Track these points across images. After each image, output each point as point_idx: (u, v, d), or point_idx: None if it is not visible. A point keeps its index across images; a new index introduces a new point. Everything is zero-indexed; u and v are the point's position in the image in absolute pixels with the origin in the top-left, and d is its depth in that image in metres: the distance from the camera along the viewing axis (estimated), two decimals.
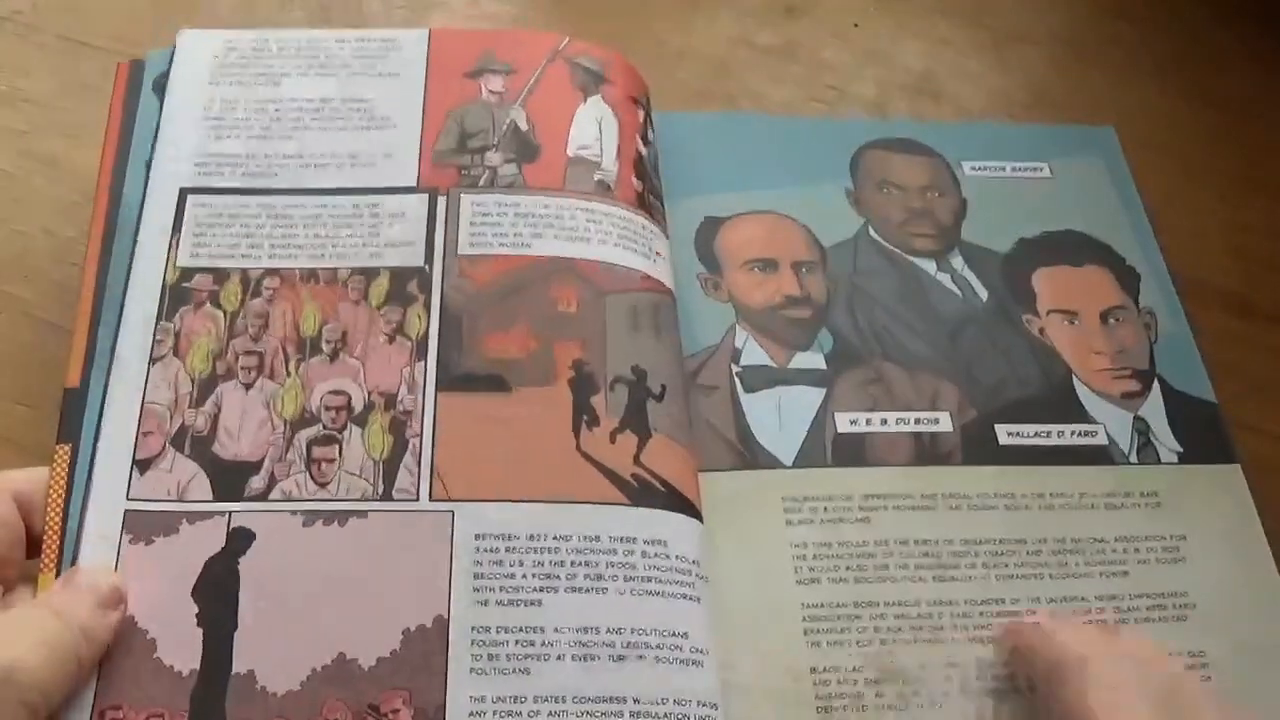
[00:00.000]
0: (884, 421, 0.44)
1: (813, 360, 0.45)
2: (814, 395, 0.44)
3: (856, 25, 0.58)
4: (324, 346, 0.40)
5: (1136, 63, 0.58)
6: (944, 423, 0.44)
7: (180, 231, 0.42)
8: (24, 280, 0.46)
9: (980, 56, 0.58)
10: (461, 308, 0.41)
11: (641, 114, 0.47)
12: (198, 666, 0.34)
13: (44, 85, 0.52)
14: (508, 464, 0.38)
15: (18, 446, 0.42)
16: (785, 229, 0.48)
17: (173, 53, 0.46)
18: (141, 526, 0.36)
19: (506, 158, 0.44)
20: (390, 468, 0.38)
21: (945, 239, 0.49)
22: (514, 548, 0.36)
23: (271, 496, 0.37)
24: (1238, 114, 0.56)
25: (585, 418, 0.39)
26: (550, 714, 0.34)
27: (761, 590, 0.39)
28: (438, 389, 0.39)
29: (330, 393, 0.39)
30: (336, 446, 0.38)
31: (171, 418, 0.38)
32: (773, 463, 0.42)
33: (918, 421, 0.44)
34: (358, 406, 0.39)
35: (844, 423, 0.43)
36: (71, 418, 0.38)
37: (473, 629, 0.35)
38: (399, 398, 0.39)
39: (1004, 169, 0.52)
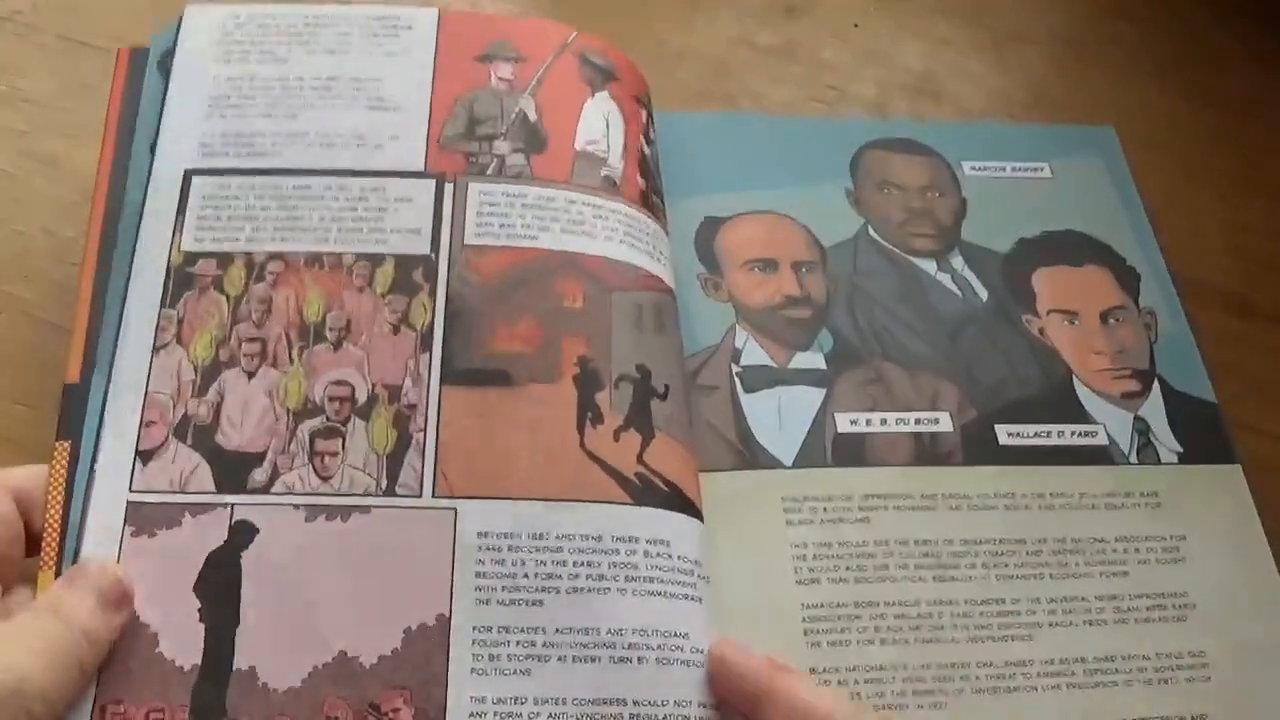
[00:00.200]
0: (884, 421, 0.44)
1: (813, 360, 0.45)
2: (814, 395, 0.44)
3: (856, 25, 0.58)
4: (328, 335, 0.40)
5: (1136, 63, 0.58)
6: (944, 423, 0.44)
7: (185, 214, 0.41)
8: (24, 280, 0.46)
9: (980, 56, 0.58)
10: (467, 299, 0.41)
11: (644, 113, 0.47)
12: (199, 662, 0.34)
13: (44, 85, 0.51)
14: (512, 461, 0.38)
15: (18, 446, 0.42)
16: (785, 229, 0.48)
17: (178, 29, 0.46)
18: (144, 519, 0.36)
19: (515, 147, 0.44)
20: (394, 462, 0.38)
21: (945, 239, 0.49)
22: (516, 547, 0.36)
23: (274, 489, 0.37)
24: (1238, 114, 0.56)
25: (589, 415, 0.39)
26: (551, 715, 0.34)
27: (761, 590, 0.39)
28: (442, 382, 0.39)
29: (334, 383, 0.39)
30: (340, 439, 0.38)
31: (174, 407, 0.38)
32: (773, 463, 0.42)
33: (918, 421, 0.44)
34: (361, 398, 0.39)
35: (844, 423, 0.43)
36: (71, 414, 0.38)
37: (474, 629, 0.35)
38: (403, 390, 0.39)
39: (1004, 169, 0.52)
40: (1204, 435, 0.45)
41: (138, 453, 0.37)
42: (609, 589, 0.36)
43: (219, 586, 0.35)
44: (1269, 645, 0.40)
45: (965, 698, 0.38)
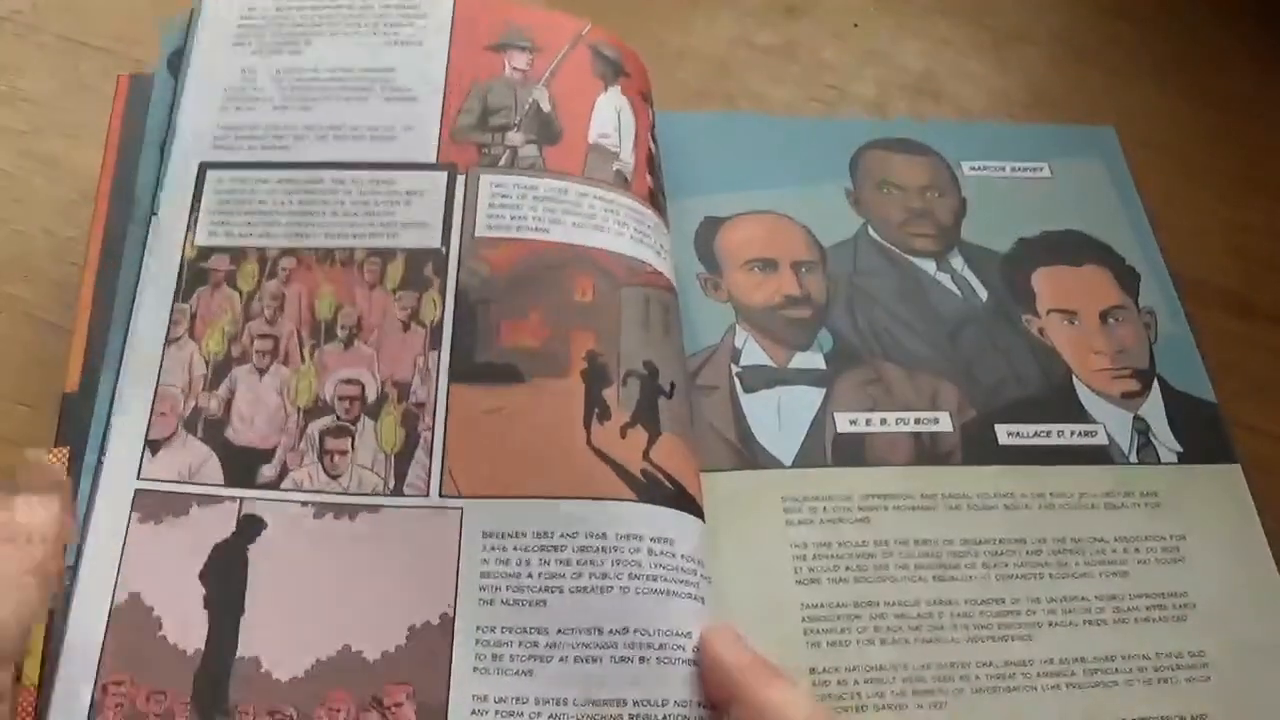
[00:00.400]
0: (884, 421, 0.44)
1: (812, 360, 0.45)
2: (814, 395, 0.44)
3: (856, 25, 0.58)
4: (339, 332, 0.40)
5: (1136, 63, 0.58)
6: (944, 423, 0.44)
7: (199, 209, 0.41)
8: (24, 280, 0.46)
9: (980, 56, 0.58)
10: (477, 293, 0.40)
11: (650, 112, 0.47)
12: (202, 648, 0.34)
13: (44, 85, 0.51)
14: (519, 459, 0.38)
15: (18, 446, 0.42)
16: (785, 229, 0.48)
17: (189, 25, 0.46)
18: (151, 506, 0.36)
19: (528, 138, 0.44)
20: (402, 462, 0.38)
21: (945, 239, 0.49)
22: (521, 546, 0.36)
23: (283, 486, 0.37)
24: (1238, 114, 0.56)
25: (597, 411, 0.39)
26: (552, 715, 0.34)
27: (761, 590, 0.39)
28: (450, 380, 0.39)
29: (344, 382, 0.39)
30: (349, 438, 0.38)
31: (185, 400, 0.38)
32: (773, 463, 0.42)
33: (918, 421, 0.44)
34: (371, 397, 0.39)
35: (844, 423, 0.43)
36: (70, 422, 0.37)
37: (478, 628, 0.35)
38: (412, 388, 0.39)
39: (1004, 169, 0.52)
40: (1204, 435, 0.45)
41: (147, 442, 0.37)
42: (612, 587, 0.36)
43: (224, 576, 0.35)
44: (1269, 645, 0.40)
45: (965, 698, 0.38)
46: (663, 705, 0.35)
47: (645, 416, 0.39)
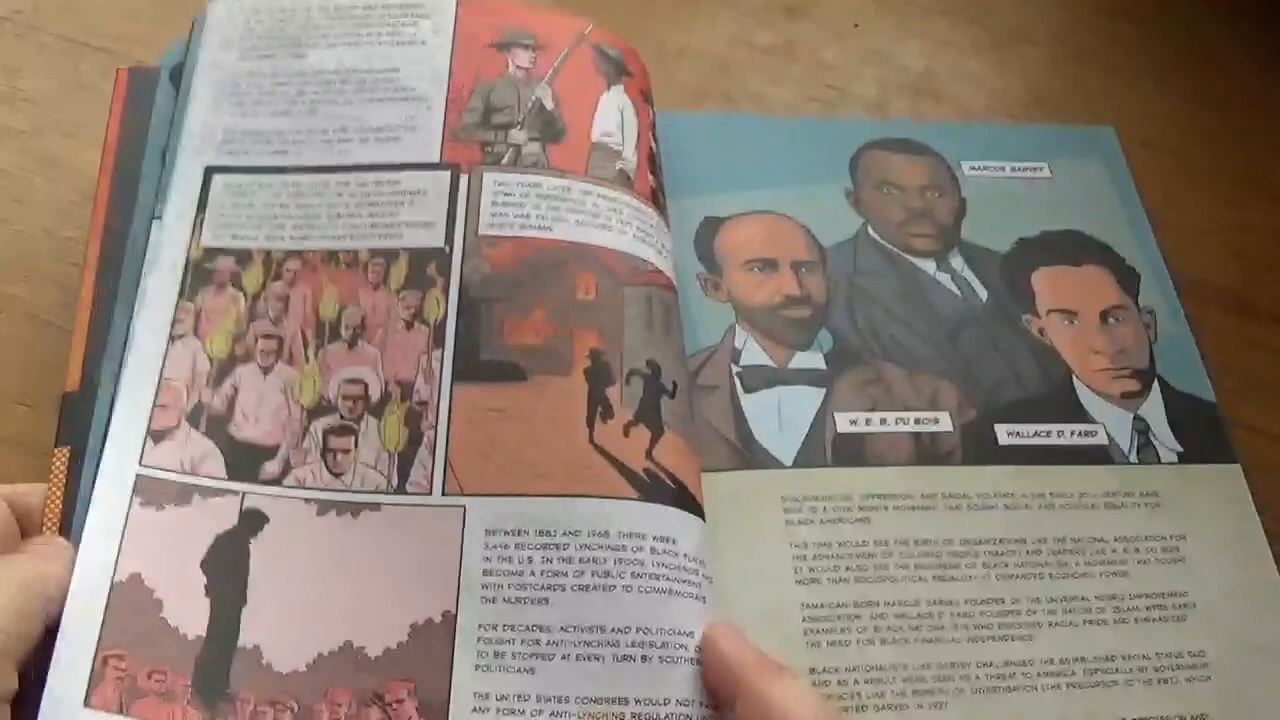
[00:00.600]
0: (884, 421, 0.44)
1: (812, 360, 0.45)
2: (814, 395, 0.44)
3: (856, 25, 0.58)
4: (343, 332, 0.40)
5: (1136, 63, 0.58)
6: (944, 423, 0.44)
7: (205, 211, 0.42)
8: (24, 280, 0.46)
9: (980, 56, 0.58)
10: (480, 291, 0.41)
11: (651, 110, 0.47)
12: (204, 634, 0.34)
13: (44, 85, 0.52)
14: (521, 457, 0.38)
15: (18, 446, 0.42)
16: (785, 229, 0.48)
17: (189, 39, 0.46)
18: (152, 492, 0.36)
19: (531, 136, 0.44)
20: (405, 460, 0.38)
21: (945, 239, 0.49)
22: (523, 544, 0.36)
23: (286, 482, 0.37)
24: (1238, 114, 0.56)
25: (600, 409, 0.39)
26: (553, 713, 0.34)
27: (761, 590, 0.39)
28: (454, 379, 0.39)
29: (348, 381, 0.39)
30: (353, 437, 0.38)
31: (188, 394, 0.38)
32: (773, 463, 0.42)
33: (918, 421, 0.44)
34: (375, 396, 0.39)
35: (844, 423, 0.43)
36: (71, 421, 0.37)
37: (479, 626, 0.35)
38: (415, 387, 0.39)
39: (1004, 169, 0.52)
40: (1204, 435, 0.45)
41: (149, 431, 0.37)
42: (614, 586, 0.36)
43: (226, 566, 0.35)
44: (1269, 645, 0.40)
45: (965, 698, 0.38)
46: (664, 704, 0.35)
47: (648, 415, 0.39)
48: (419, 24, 0.46)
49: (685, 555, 0.37)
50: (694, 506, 0.39)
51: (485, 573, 0.36)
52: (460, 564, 0.36)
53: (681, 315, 0.44)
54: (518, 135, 0.44)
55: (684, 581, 0.37)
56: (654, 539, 0.37)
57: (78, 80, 0.52)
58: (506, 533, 0.36)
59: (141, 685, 0.33)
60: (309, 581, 0.36)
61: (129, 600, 0.34)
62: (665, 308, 0.42)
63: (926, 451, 0.43)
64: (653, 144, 0.46)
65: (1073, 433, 0.44)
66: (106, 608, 0.34)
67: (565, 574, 0.36)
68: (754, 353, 0.45)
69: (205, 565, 0.35)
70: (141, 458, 0.37)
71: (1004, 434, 0.44)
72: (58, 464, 0.37)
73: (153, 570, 0.35)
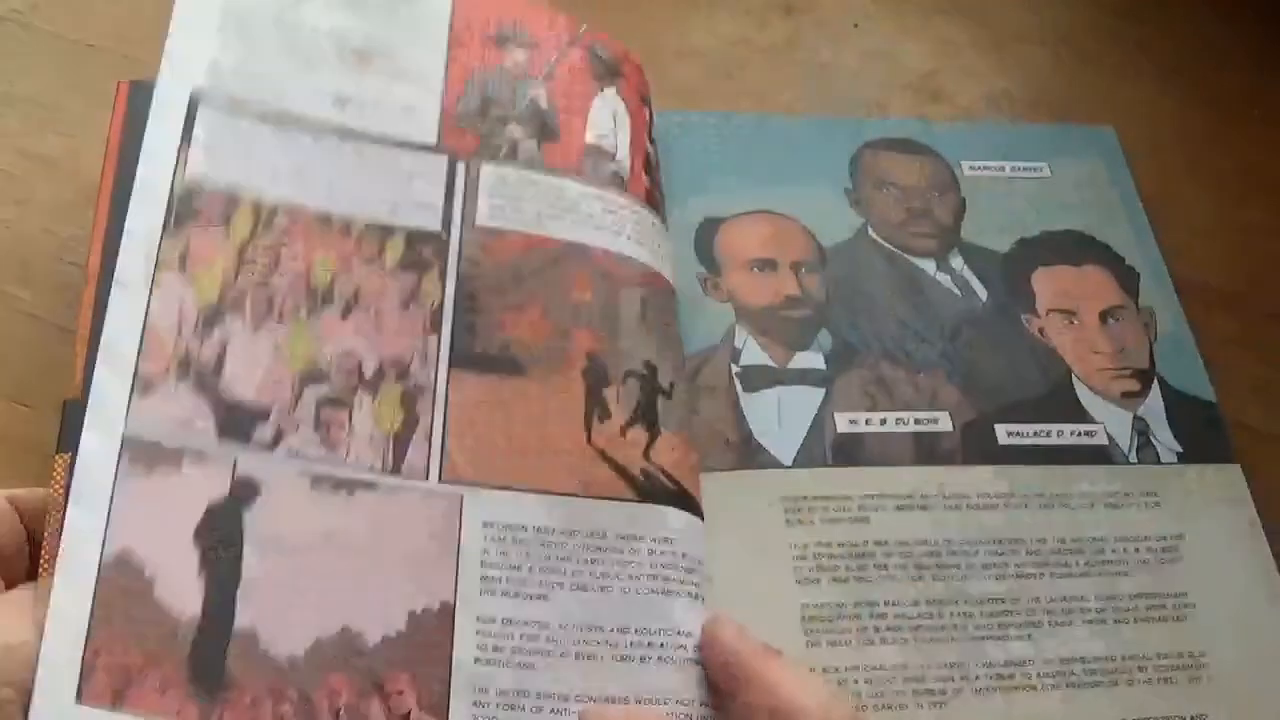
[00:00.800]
0: (884, 421, 0.44)
1: (812, 360, 0.45)
2: (814, 395, 0.44)
3: (856, 25, 0.58)
4: (336, 299, 0.39)
5: (1136, 63, 0.58)
6: (944, 423, 0.44)
7: (190, 141, 0.40)
8: (24, 280, 0.46)
9: (980, 56, 0.58)
10: (478, 282, 0.40)
11: (647, 112, 0.47)
12: (198, 615, 0.33)
13: (44, 85, 0.51)
14: (519, 451, 0.38)
15: (18, 446, 0.42)
16: (785, 229, 0.48)
17: None
18: (140, 456, 0.35)
19: (527, 132, 0.44)
20: (400, 443, 0.37)
21: (945, 239, 0.49)
22: (522, 539, 0.36)
23: (278, 450, 0.36)
24: (1238, 114, 0.56)
25: (597, 410, 0.39)
26: (552, 711, 0.34)
27: (761, 590, 0.39)
28: (451, 365, 0.39)
29: (342, 354, 0.38)
30: (347, 411, 0.37)
31: (175, 341, 0.37)
32: (773, 463, 0.42)
33: (918, 421, 0.44)
34: (369, 372, 0.38)
35: (844, 423, 0.43)
36: (72, 428, 0.36)
37: (478, 618, 0.35)
38: (411, 369, 0.38)
39: (1004, 169, 0.52)
40: (1203, 435, 0.45)
41: (136, 379, 0.36)
42: (613, 586, 0.36)
43: (220, 537, 0.34)
44: (1269, 645, 0.40)
45: (965, 698, 0.38)
46: (664, 704, 0.35)
47: (645, 416, 0.39)
48: (415, 4, 0.45)
49: (683, 555, 0.37)
50: (692, 506, 0.39)
51: (483, 564, 0.36)
52: (458, 553, 0.36)
53: (681, 315, 0.44)
54: (514, 130, 0.44)
55: (682, 581, 0.37)
56: (652, 540, 0.37)
57: (78, 80, 0.52)
58: (505, 527, 0.36)
59: (135, 676, 0.32)
60: (304, 557, 0.35)
61: (119, 583, 0.33)
62: (662, 309, 0.42)
63: (926, 451, 0.43)
64: (650, 145, 0.46)
65: (1072, 433, 0.44)
66: (95, 593, 0.32)
67: (563, 573, 0.36)
68: (754, 353, 0.45)
69: (198, 536, 0.34)
70: (127, 417, 0.35)
71: (1004, 434, 0.44)
72: (58, 470, 0.36)
73: (143, 544, 0.33)
